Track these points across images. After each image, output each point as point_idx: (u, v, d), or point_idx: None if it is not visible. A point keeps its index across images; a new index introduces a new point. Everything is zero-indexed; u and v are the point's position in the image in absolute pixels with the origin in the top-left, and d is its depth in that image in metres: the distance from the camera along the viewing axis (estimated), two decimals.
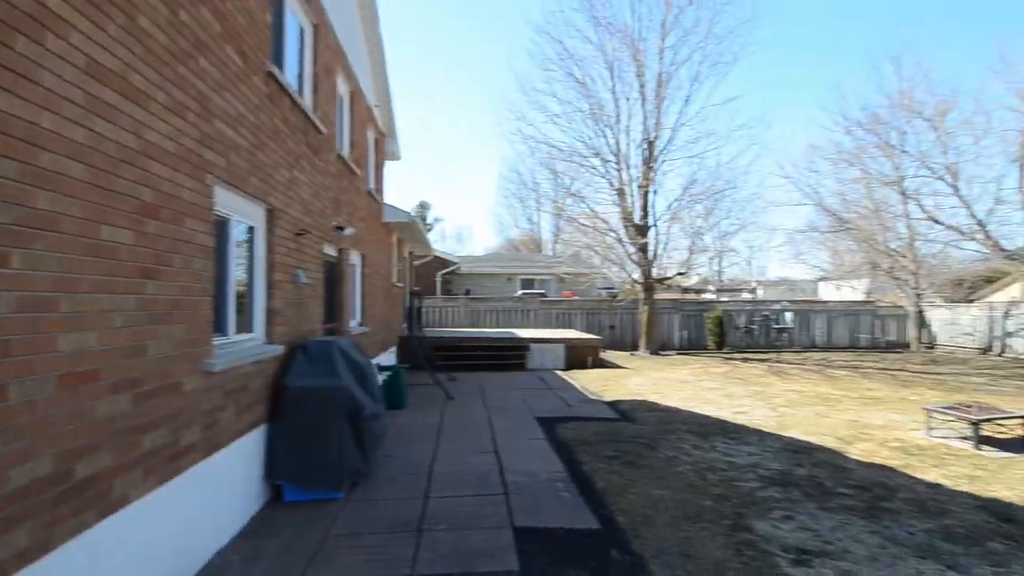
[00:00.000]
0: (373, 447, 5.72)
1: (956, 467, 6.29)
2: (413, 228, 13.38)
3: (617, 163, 18.34)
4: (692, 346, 20.65)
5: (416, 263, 19.83)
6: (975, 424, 7.13)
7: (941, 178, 22.39)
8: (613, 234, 18.95)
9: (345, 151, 9.12)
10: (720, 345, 20.37)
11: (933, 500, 5.18)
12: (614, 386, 11.86)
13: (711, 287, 45.81)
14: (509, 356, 14.67)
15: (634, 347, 19.43)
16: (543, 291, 26.73)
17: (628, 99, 18.31)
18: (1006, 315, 19.05)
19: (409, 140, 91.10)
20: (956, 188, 22.36)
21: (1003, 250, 22.09)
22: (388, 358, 11.50)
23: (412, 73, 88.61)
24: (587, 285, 23.01)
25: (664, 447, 6.93)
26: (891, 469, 6.19)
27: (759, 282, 51.56)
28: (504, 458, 6.41)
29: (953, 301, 22.64)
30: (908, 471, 6.13)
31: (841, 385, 12.32)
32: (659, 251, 18.90)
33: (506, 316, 20.74)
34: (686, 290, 50.61)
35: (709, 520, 4.59)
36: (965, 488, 5.58)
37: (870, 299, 24.06)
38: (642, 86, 17.96)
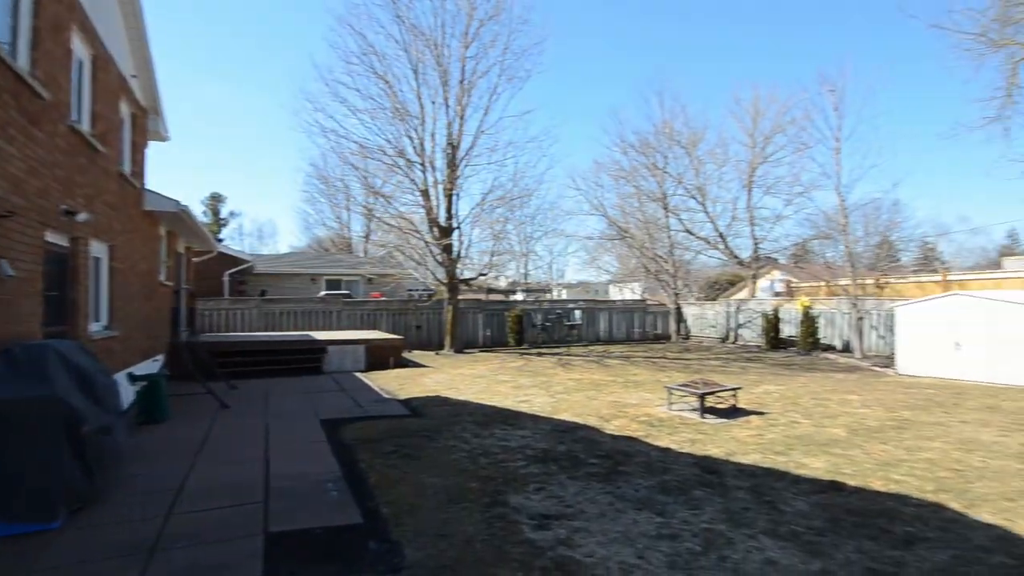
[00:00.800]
0: (104, 465, 4.91)
1: (684, 433, 7.53)
2: (184, 220, 11.85)
3: (422, 164, 18.47)
4: (495, 344, 21.68)
5: (197, 260, 17.62)
6: (701, 397, 8.64)
7: (693, 197, 26.87)
8: (418, 235, 19.04)
9: (84, 124, 7.72)
10: (520, 342, 21.72)
11: (660, 462, 6.14)
12: (412, 384, 11.89)
13: (519, 288, 48.57)
14: (304, 360, 13.83)
15: (440, 346, 19.75)
16: (348, 292, 25.77)
17: (434, 102, 18.59)
18: (738, 310, 23.49)
19: (204, 126, 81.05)
20: (704, 206, 27.02)
21: (736, 258, 27.25)
22: (151, 366, 9.99)
23: (214, 52, 79.02)
24: (392, 285, 22.80)
25: (446, 438, 7.13)
26: (635, 439, 7.19)
27: (560, 284, 56.06)
28: (274, 465, 5.99)
29: (703, 300, 27.22)
30: (648, 440, 7.18)
31: (612, 372, 14.01)
32: (463, 253, 19.50)
33: (307, 318, 19.53)
34: (495, 291, 53.04)
35: (471, 500, 4.83)
36: (687, 450, 6.71)
37: (642, 299, 27.80)
38: (446, 91, 18.38)
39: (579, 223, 42.68)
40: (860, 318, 16.84)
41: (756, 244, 26.36)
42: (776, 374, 13.77)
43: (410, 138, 18.34)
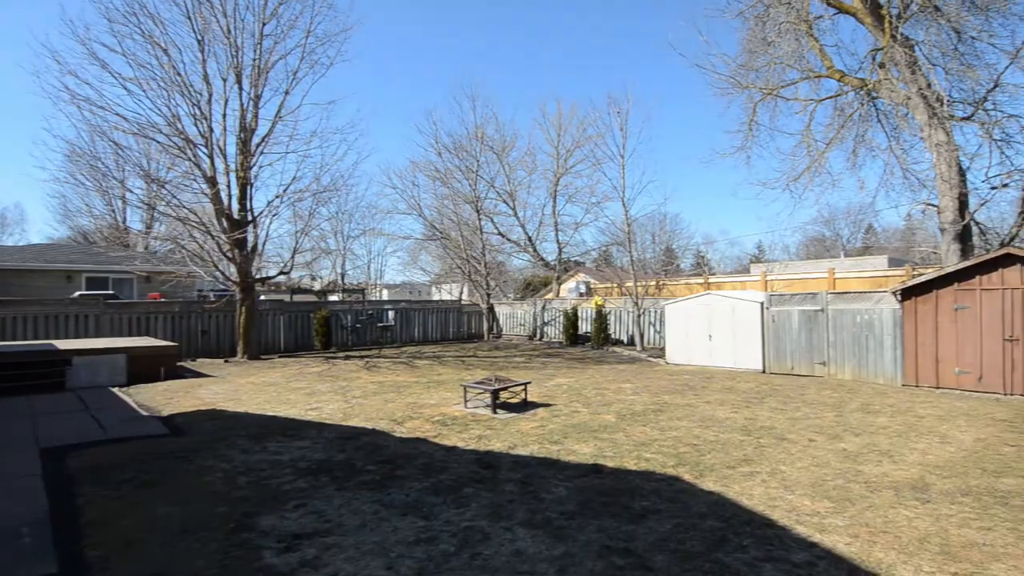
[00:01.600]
0: None
1: (474, 430, 7.60)
2: None
3: (208, 148, 16.36)
4: (300, 348, 20.13)
5: None
6: (493, 394, 8.85)
7: (505, 201, 28.00)
8: (204, 228, 16.81)
9: None
10: (327, 345, 20.46)
11: (442, 461, 6.06)
12: (183, 398, 10.34)
13: (338, 289, 46.06)
14: (38, 375, 11.24)
15: (231, 353, 17.68)
16: (114, 292, 21.82)
17: (224, 80, 16.58)
18: (543, 309, 25.04)
19: None
20: (515, 210, 28.30)
21: (543, 261, 29.01)
22: None
23: None
24: (171, 284, 19.85)
25: (205, 457, 6.23)
26: (424, 440, 7.05)
27: (383, 285, 54.60)
28: None
29: (515, 300, 28.53)
30: (437, 439, 7.09)
31: (419, 373, 13.83)
32: (260, 249, 17.72)
33: (54, 324, 15.99)
34: (306, 291, 49.62)
35: (212, 528, 4.20)
36: (472, 447, 6.75)
37: (456, 299, 28.23)
38: (238, 68, 16.52)
39: (398, 223, 42.03)
40: (640, 315, 19.03)
41: (560, 248, 28.39)
42: (570, 367, 14.86)
43: (194, 117, 16.15)
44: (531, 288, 36.04)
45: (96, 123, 15.10)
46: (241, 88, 16.81)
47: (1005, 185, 15.13)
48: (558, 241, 28.35)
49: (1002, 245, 12.37)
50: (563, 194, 28.12)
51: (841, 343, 12.38)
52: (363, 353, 19.36)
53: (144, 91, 15.44)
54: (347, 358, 17.74)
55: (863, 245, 54.39)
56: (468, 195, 24.70)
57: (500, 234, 29.43)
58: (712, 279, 27.13)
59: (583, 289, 30.73)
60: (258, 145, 17.06)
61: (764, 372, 13.58)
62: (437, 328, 24.93)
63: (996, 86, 14.43)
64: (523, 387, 9.53)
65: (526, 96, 73.75)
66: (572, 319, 22.25)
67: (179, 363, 16.03)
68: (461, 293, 32.34)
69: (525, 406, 9.23)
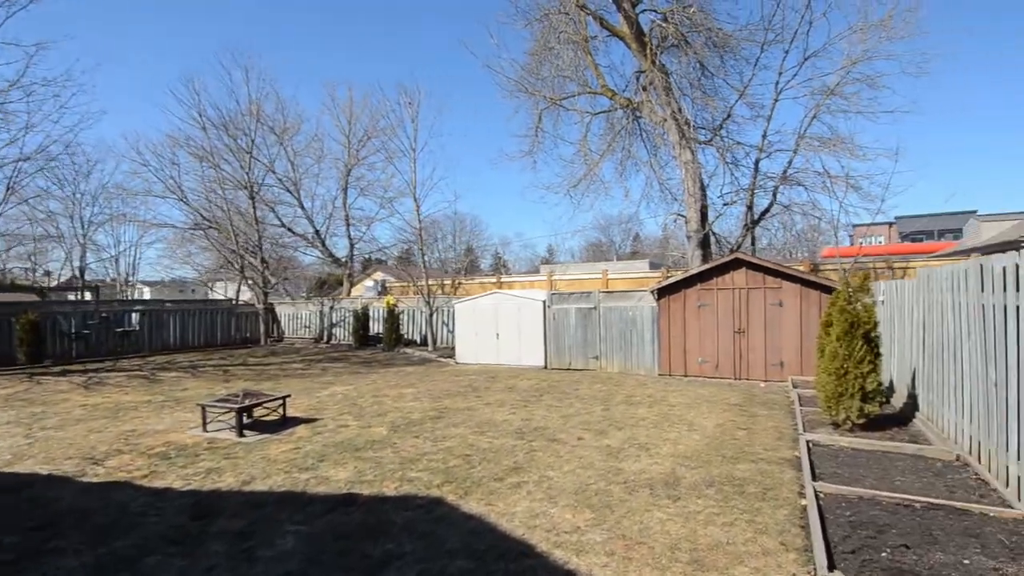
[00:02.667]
0: None
1: (205, 463, 6.06)
2: None
3: None
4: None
5: None
6: (238, 413, 7.31)
7: (288, 190, 25.29)
8: None
9: None
10: (37, 357, 15.92)
11: (138, 515, 4.54)
12: None
13: (76, 286, 37.23)
14: None
15: None
16: None
17: None
18: (331, 309, 23.09)
19: None
20: (300, 201, 25.75)
21: (333, 257, 26.92)
22: None
23: None
24: None
25: None
26: (126, 484, 5.34)
27: (145, 282, 45.99)
28: None
29: (301, 299, 25.91)
30: (146, 481, 5.44)
31: (156, 390, 11.28)
32: None
33: None
34: (21, 289, 39.34)
35: None
36: (194, 486, 5.28)
37: (229, 299, 24.60)
38: None
39: (155, 208, 35.42)
40: (432, 315, 18.52)
41: (352, 244, 26.62)
42: (354, 373, 13.61)
43: None
44: (327, 287, 33.32)
45: None
46: None
47: (733, 202, 18.03)
48: (349, 236, 26.51)
49: (732, 251, 14.53)
50: (355, 187, 26.41)
51: (611, 338, 13.30)
52: (91, 367, 15.48)
53: None
54: (64, 374, 13.95)
55: (632, 251, 62.17)
56: (241, 179, 21.59)
57: (285, 226, 26.50)
58: (505, 279, 27.98)
59: (380, 288, 29.34)
60: None
61: (546, 368, 14.01)
62: (201, 332, 21.36)
63: (729, 116, 17.06)
64: (281, 401, 8.11)
65: (313, 77, 68.21)
66: (362, 319, 20.83)
67: None
68: (238, 292, 28.42)
69: (284, 424, 7.85)
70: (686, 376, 12.05)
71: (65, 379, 13.03)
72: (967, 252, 21.50)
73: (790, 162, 16.30)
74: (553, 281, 24.57)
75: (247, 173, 21.39)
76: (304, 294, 27.27)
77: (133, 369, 14.88)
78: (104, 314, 18.42)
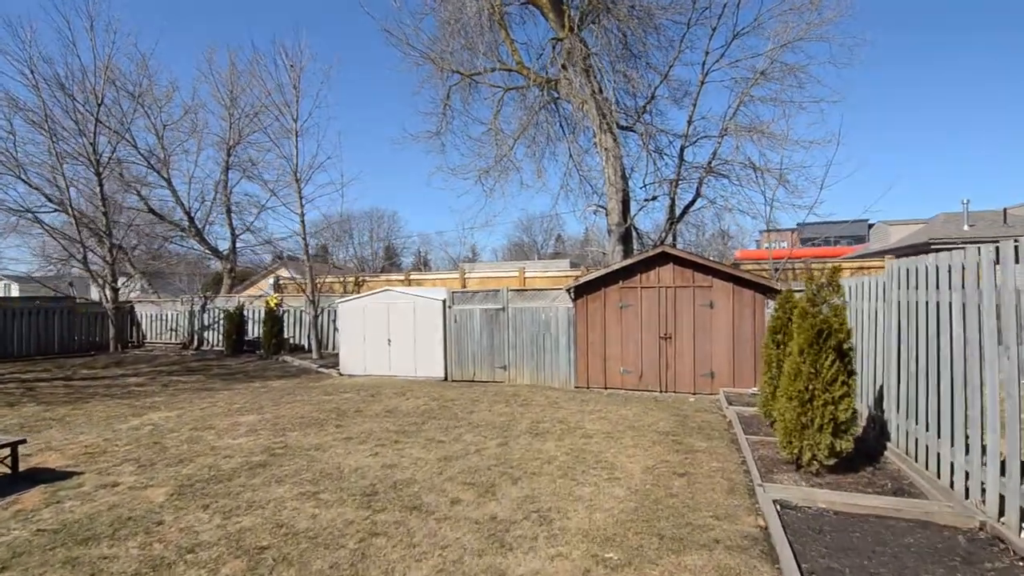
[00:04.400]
0: None
1: None
2: None
3: None
4: None
5: None
6: None
7: (154, 168, 21.47)
8: None
9: None
10: None
11: None
12: None
13: None
14: None
15: None
16: None
17: None
18: (203, 310, 19.64)
19: None
20: (170, 182, 21.97)
21: (213, 249, 23.26)
22: None
23: None
24: None
25: None
26: None
27: (11, 277, 39.20)
28: None
29: (166, 298, 22.10)
30: None
31: None
32: None
33: None
34: None
35: None
36: None
37: (69, 296, 20.40)
38: None
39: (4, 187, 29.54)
40: (317, 316, 15.79)
41: (235, 235, 23.13)
42: (201, 390, 10.75)
43: None
44: (231, 284, 29.08)
45: None
46: None
47: (654, 198, 16.67)
48: (231, 226, 22.94)
49: (656, 246, 13.01)
50: (238, 168, 22.90)
51: (521, 345, 11.32)
52: None
53: None
54: None
55: (554, 251, 61.22)
56: (83, 150, 17.70)
57: (154, 212, 22.55)
58: (415, 276, 25.45)
59: (274, 286, 25.88)
60: None
61: (446, 379, 11.82)
62: (32, 337, 17.31)
63: (652, 99, 15.63)
64: (10, 446, 5.35)
65: (183, 37, 60.18)
66: (237, 322, 17.66)
67: None
68: (104, 290, 23.98)
69: (12, 483, 5.14)
70: (606, 389, 10.28)
71: None
72: (879, 254, 21.62)
73: (715, 152, 15.12)
74: (466, 279, 22.43)
75: (91, 143, 17.53)
76: (200, 292, 23.33)
77: None
78: None
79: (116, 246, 18.91)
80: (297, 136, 15.04)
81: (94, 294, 21.13)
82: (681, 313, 9.96)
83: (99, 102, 17.53)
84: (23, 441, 5.35)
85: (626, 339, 10.30)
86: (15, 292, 38.91)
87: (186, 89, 40.10)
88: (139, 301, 21.02)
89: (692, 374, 9.85)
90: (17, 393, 10.53)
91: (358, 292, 18.13)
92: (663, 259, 10.14)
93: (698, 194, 15.73)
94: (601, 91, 15.31)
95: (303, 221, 15.19)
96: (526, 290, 11.54)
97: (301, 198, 15.07)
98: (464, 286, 20.92)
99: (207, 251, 23.50)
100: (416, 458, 5.84)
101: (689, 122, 15.21)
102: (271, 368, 14.22)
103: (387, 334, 12.47)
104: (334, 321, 16.72)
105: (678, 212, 16.02)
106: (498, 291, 11.68)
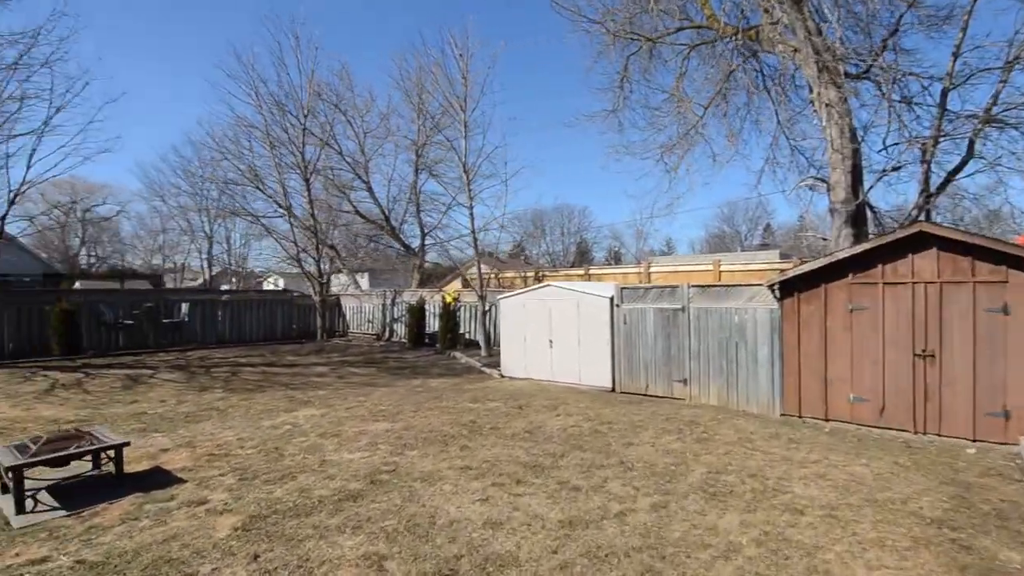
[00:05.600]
0: None
1: None
2: None
3: None
4: (33, 352, 14.55)
5: None
6: (14, 475, 4.43)
7: (357, 174, 23.31)
8: None
9: None
10: (73, 348, 15.00)
11: None
12: None
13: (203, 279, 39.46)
14: None
15: None
16: None
17: None
18: (393, 303, 20.68)
19: None
20: (369, 185, 23.67)
21: (404, 245, 24.60)
22: None
23: None
24: None
25: None
26: None
27: (280, 272, 48.20)
28: None
29: (364, 292, 23.97)
30: None
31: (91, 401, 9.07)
32: None
33: None
34: (143, 275, 42.34)
35: None
36: None
37: (286, 290, 23.25)
38: None
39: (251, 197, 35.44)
40: (485, 312, 15.19)
41: (423, 232, 24.15)
42: (364, 384, 10.67)
43: None
44: (433, 279, 31.17)
45: None
46: None
47: (897, 168, 12.55)
48: (420, 224, 24.04)
49: (908, 224, 9.45)
50: (424, 169, 23.81)
51: (706, 354, 9.03)
52: (114, 360, 14.16)
53: None
54: (75, 370, 12.51)
55: (761, 242, 54.27)
56: (295, 160, 19.79)
57: (360, 214, 24.71)
58: (594, 270, 23.95)
59: (462, 282, 26.69)
60: None
61: (613, 390, 10.07)
62: (259, 326, 19.93)
63: (896, 31, 11.68)
64: (114, 449, 5.12)
65: (373, 47, 64.30)
66: (417, 316, 18.09)
67: None
68: (326, 284, 27.23)
69: (115, 487, 4.90)
70: (827, 421, 7.52)
71: (60, 374, 11.48)
72: None
73: (996, 94, 10.74)
74: (650, 273, 20.19)
75: (300, 152, 19.50)
76: (389, 288, 25.21)
77: (148, 367, 13.22)
78: (149, 304, 17.39)
79: (327, 244, 20.87)
80: (465, 125, 14.55)
81: (311, 288, 23.81)
82: (950, 320, 6.76)
83: (305, 114, 19.40)
84: (127, 443, 5.14)
85: (859, 354, 7.40)
86: (281, 285, 46.79)
87: (382, 98, 43.57)
88: (344, 294, 23.07)
89: (971, 411, 6.60)
90: (221, 378, 11.60)
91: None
92: (919, 241, 7.01)
93: (970, 154, 11.40)
94: (819, 32, 11.92)
95: (472, 214, 14.71)
96: (713, 286, 9.17)
97: (469, 187, 14.57)
98: (648, 280, 18.75)
99: (401, 248, 24.96)
100: (532, 516, 4.30)
101: (955, 55, 11.00)
102: (438, 364, 13.96)
103: (548, 334, 11.14)
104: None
105: (937, 182, 11.84)
106: (676, 287, 9.52)
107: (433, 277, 30.52)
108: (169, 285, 39.49)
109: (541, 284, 11.43)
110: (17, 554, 3.71)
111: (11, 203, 15.28)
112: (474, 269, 28.96)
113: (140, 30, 60.52)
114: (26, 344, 14.74)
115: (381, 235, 25.72)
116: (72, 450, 4.74)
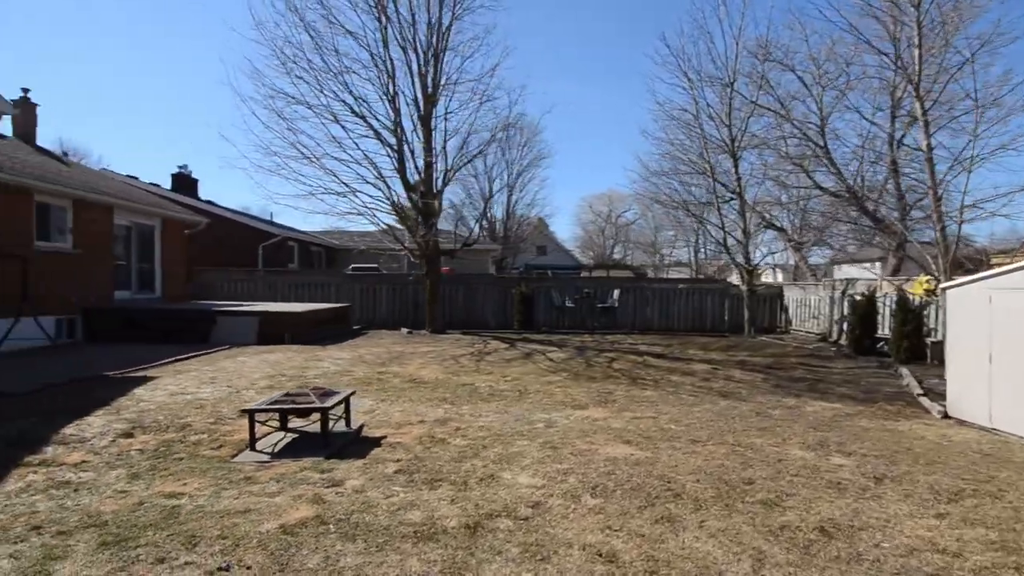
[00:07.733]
0: None
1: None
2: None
3: (396, 128, 16.38)
4: (501, 325, 18.71)
5: (190, 232, 18.44)
6: (282, 417, 5.32)
7: (816, 144, 19.46)
8: (398, 208, 16.95)
9: None
10: (527, 325, 18.33)
11: None
12: (228, 367, 10.28)
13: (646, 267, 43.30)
14: (193, 330, 13.37)
15: (415, 325, 17.69)
16: (376, 267, 24.77)
17: (404, 49, 16.39)
18: (843, 296, 16.14)
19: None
20: (828, 151, 19.40)
21: (875, 219, 19.06)
22: None
23: None
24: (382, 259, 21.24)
25: None
26: None
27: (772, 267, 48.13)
28: None
29: (809, 282, 19.66)
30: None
31: (553, 372, 10.36)
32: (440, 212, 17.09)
33: (304, 290, 19.32)
34: (624, 266, 48.05)
35: None
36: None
37: (715, 278, 21.27)
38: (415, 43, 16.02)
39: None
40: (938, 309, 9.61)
41: (905, 202, 17.91)
42: (719, 394, 8.50)
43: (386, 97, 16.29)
44: (896, 265, 24.13)
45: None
46: (418, 56, 16.25)
47: None
48: (899, 188, 17.82)
49: None
50: (911, 115, 17.36)
51: None
52: (555, 337, 16.40)
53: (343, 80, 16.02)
54: (525, 341, 15.22)
55: None
56: (722, 140, 18.01)
57: (820, 187, 20.65)
58: None
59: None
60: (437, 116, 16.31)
61: None
62: (685, 316, 19.44)
63: None
64: (340, 405, 5.39)
65: None
66: (862, 313, 13.48)
67: (355, 327, 17.04)
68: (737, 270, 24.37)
69: (360, 442, 5.26)
70: None
71: (527, 346, 14.02)
72: None
73: None
74: None
75: (727, 125, 17.57)
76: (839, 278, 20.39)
77: (590, 347, 14.58)
78: (587, 291, 19.38)
79: (773, 226, 18.32)
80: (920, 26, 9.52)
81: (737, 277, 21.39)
82: None
83: (732, 81, 17.29)
84: (352, 393, 5.43)
85: None
86: (779, 278, 44.70)
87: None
88: (788, 285, 19.69)
89: None
90: (600, 364, 11.60)
91: None
92: None
93: None
94: None
95: (930, 160, 9.60)
96: None
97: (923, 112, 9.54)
98: None
99: (871, 224, 19.28)
100: None
101: None
102: (861, 382, 9.84)
103: None
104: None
105: None
106: None
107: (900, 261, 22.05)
108: (649, 275, 43.79)
109: None
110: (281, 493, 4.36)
111: None
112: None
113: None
114: (501, 318, 18.85)
115: (846, 211, 20.55)
116: (311, 405, 5.33)
